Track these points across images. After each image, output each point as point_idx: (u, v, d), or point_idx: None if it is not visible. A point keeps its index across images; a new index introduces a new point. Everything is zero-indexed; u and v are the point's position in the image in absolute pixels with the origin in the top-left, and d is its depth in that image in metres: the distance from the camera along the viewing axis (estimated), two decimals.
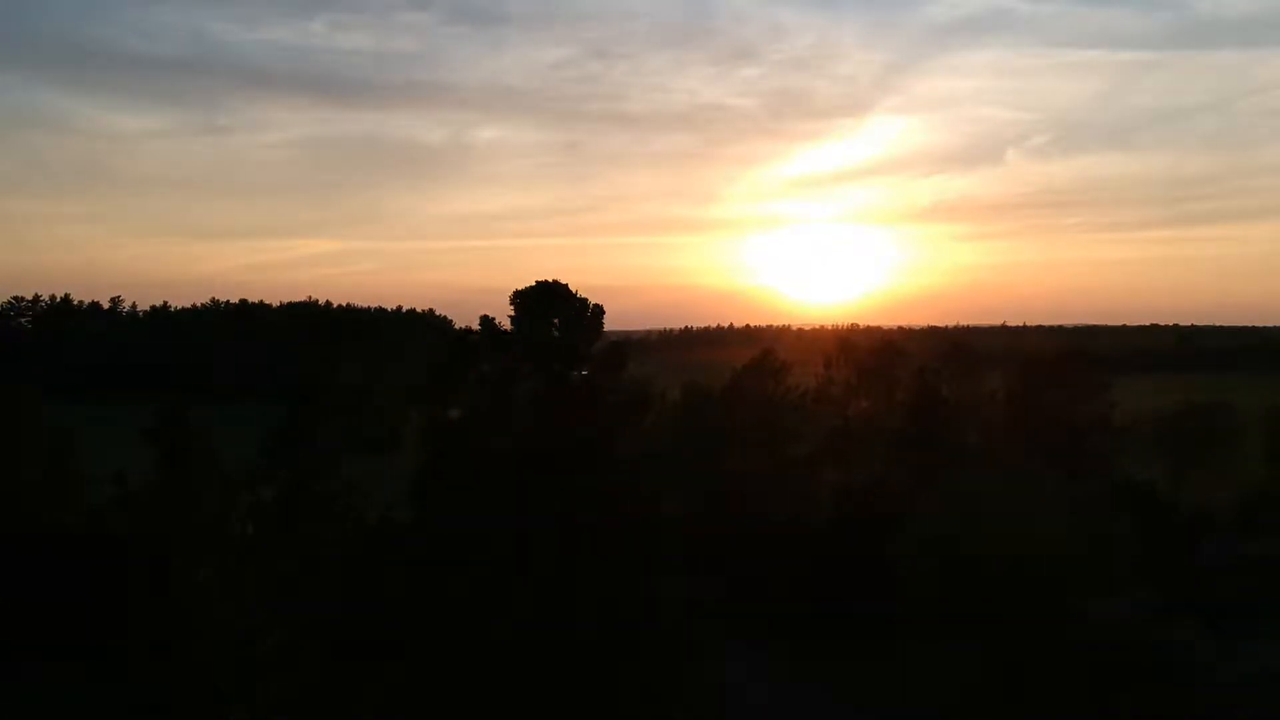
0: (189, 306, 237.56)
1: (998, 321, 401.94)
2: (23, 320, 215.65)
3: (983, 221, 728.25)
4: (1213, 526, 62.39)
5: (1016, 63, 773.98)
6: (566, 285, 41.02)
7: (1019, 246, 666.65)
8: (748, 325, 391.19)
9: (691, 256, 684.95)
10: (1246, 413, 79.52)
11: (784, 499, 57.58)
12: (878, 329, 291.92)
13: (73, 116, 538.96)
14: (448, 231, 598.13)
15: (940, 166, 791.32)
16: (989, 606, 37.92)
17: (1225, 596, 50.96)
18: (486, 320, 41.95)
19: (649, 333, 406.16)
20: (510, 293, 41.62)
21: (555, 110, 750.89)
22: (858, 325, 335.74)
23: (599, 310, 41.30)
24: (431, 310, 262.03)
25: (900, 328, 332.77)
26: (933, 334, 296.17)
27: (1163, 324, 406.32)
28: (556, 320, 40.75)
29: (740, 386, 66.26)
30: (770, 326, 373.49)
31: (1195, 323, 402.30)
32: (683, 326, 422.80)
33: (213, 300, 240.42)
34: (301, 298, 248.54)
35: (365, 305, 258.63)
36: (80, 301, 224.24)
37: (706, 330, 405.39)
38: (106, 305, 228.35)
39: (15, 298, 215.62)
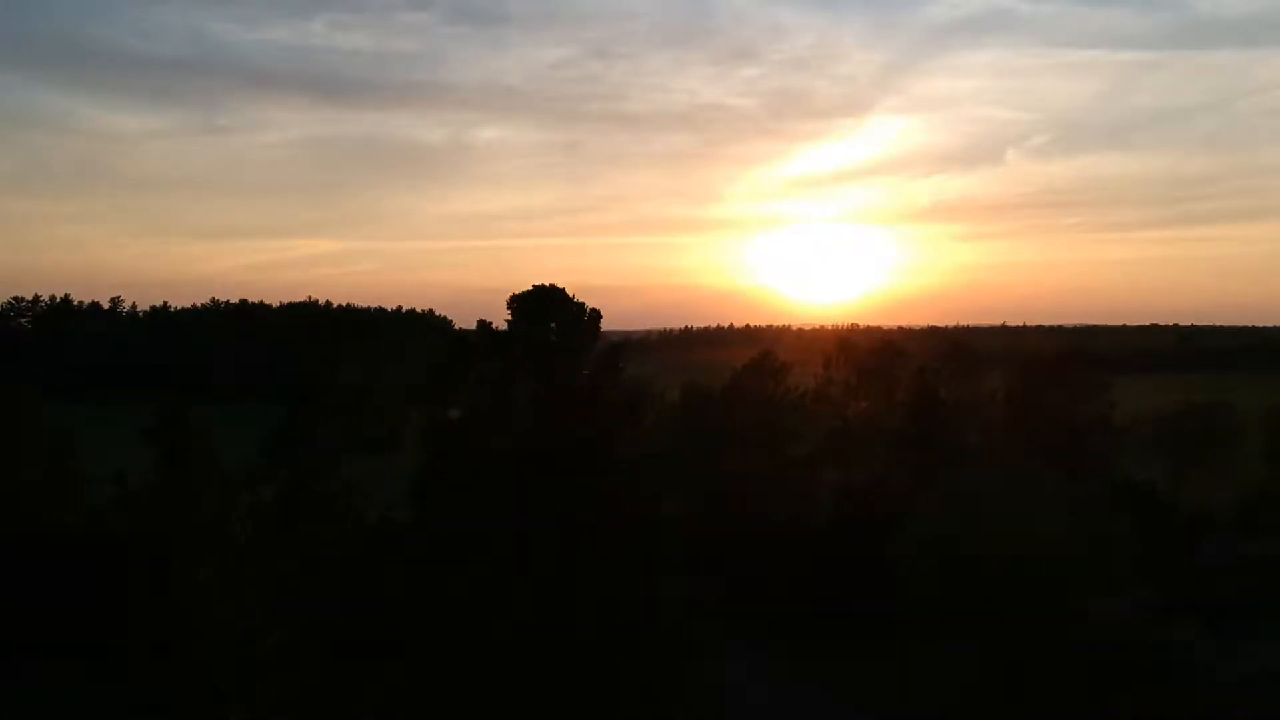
0: (189, 306, 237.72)
1: (998, 321, 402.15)
2: (23, 320, 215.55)
3: (982, 221, 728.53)
4: (1213, 526, 62.38)
5: (1016, 63, 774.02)
6: (564, 290, 41.10)
7: (1019, 246, 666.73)
8: (748, 325, 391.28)
9: (692, 256, 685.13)
10: (1246, 413, 79.50)
11: (784, 499, 57.59)
12: (878, 329, 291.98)
13: (73, 116, 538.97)
14: (448, 231, 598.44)
15: (940, 166, 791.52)
16: (989, 606, 37.91)
17: (1225, 596, 50.96)
18: (484, 324, 42.05)
19: (649, 333, 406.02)
20: (509, 292, 41.75)
21: (555, 110, 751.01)
22: (858, 325, 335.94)
23: (596, 314, 41.37)
24: (431, 310, 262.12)
25: (900, 328, 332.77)
26: (933, 334, 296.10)
27: (1163, 324, 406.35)
28: (554, 324, 40.77)
29: (740, 387, 66.28)
30: (770, 326, 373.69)
31: (1195, 323, 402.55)
32: (683, 326, 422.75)
33: (213, 300, 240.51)
34: (301, 298, 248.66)
35: (365, 305, 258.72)
36: (80, 301, 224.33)
37: (707, 330, 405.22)
38: (106, 305, 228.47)
39: (15, 298, 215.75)
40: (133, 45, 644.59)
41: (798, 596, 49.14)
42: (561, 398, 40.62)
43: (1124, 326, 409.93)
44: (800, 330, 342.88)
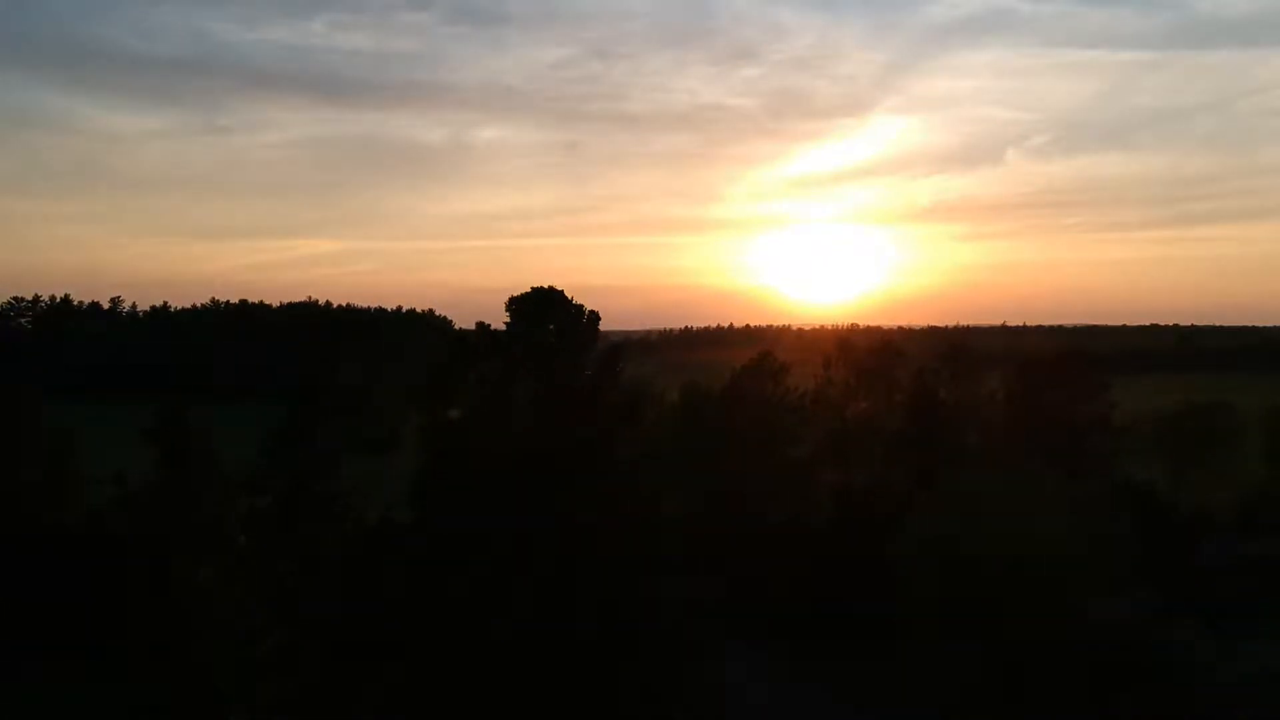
0: (189, 306, 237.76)
1: (998, 321, 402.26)
2: (23, 320, 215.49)
3: (982, 221, 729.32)
4: (1213, 526, 62.37)
5: (1016, 63, 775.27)
6: (562, 292, 41.08)
7: (1019, 246, 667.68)
8: (748, 325, 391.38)
9: (692, 256, 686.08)
10: (1246, 413, 79.48)
11: (784, 499, 57.64)
12: (878, 329, 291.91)
13: (73, 116, 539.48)
14: (448, 231, 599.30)
15: (940, 166, 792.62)
16: (989, 606, 37.91)
17: (1225, 596, 50.95)
18: (483, 326, 42.10)
19: (649, 333, 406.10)
20: (509, 292, 41.77)
21: (555, 110, 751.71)
22: (857, 325, 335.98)
23: (594, 316, 41.38)
24: (431, 310, 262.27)
25: (900, 328, 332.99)
26: (932, 334, 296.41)
27: (1163, 324, 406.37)
28: (552, 326, 40.78)
29: (739, 388, 66.28)
30: (770, 326, 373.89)
31: (1195, 323, 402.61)
32: (683, 326, 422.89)
33: (213, 300, 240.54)
34: (301, 298, 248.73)
35: (365, 305, 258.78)
36: (80, 301, 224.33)
37: (707, 330, 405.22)
38: (106, 305, 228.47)
39: (15, 298, 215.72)
40: (133, 45, 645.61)
41: (798, 596, 49.15)
42: (561, 398, 40.62)
43: (1124, 326, 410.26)
44: (800, 330, 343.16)
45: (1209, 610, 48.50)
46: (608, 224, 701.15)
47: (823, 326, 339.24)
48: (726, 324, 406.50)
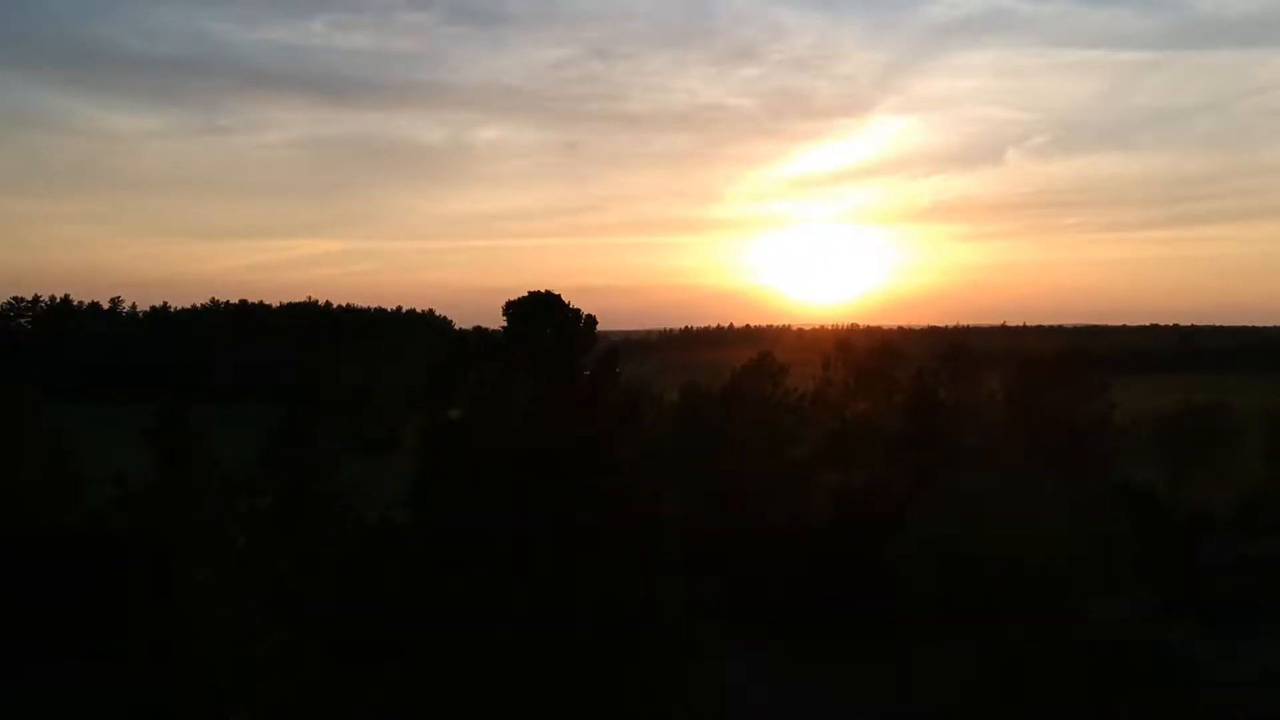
0: (189, 306, 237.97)
1: (998, 321, 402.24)
2: (23, 320, 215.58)
3: (982, 221, 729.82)
4: (1212, 527, 62.39)
5: (1016, 63, 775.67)
6: (559, 296, 41.14)
7: (1019, 246, 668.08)
8: (748, 325, 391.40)
9: (692, 256, 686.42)
10: (1246, 413, 79.45)
11: (784, 500, 57.69)
12: (878, 329, 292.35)
13: (73, 116, 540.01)
14: (448, 231, 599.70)
15: (940, 166, 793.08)
16: (989, 606, 37.93)
17: (1225, 597, 50.97)
18: (480, 330, 42.28)
19: (649, 333, 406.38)
20: (509, 292, 41.93)
21: (555, 110, 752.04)
22: (857, 325, 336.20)
23: (591, 320, 41.43)
24: (431, 310, 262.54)
25: (900, 328, 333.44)
26: (933, 334, 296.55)
27: (1163, 324, 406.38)
28: (549, 330, 40.82)
29: (739, 388, 66.34)
30: (770, 326, 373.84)
31: (1195, 323, 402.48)
32: (683, 326, 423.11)
33: (213, 300, 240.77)
34: (301, 298, 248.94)
35: (365, 305, 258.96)
36: (80, 301, 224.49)
37: (707, 330, 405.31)
38: (106, 305, 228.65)
39: (15, 298, 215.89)
40: (133, 45, 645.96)
41: (798, 596, 49.18)
42: (560, 398, 40.64)
43: (1124, 326, 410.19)
44: (800, 330, 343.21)
45: (1208, 610, 48.53)
46: (608, 224, 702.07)
47: (823, 326, 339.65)
48: (726, 324, 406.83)
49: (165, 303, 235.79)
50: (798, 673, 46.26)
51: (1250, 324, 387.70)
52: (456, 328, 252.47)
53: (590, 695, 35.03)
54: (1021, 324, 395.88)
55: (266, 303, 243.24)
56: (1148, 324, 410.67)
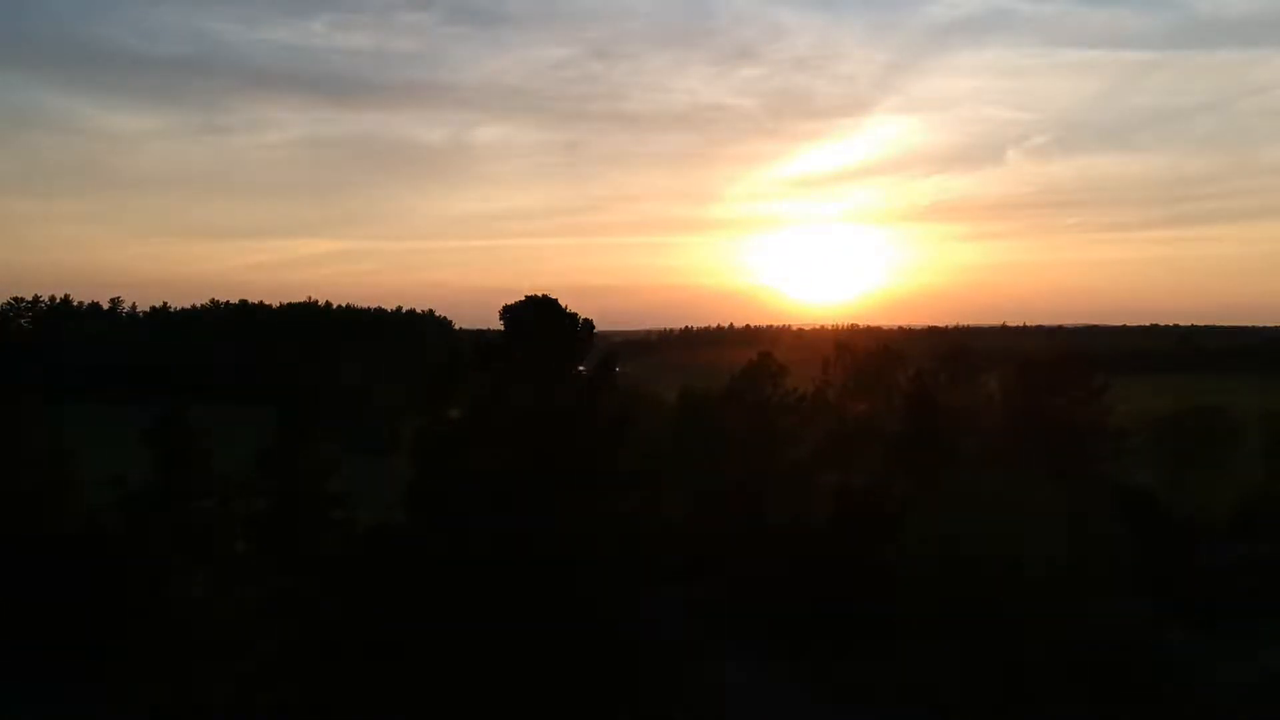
0: (189, 306, 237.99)
1: (998, 321, 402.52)
2: (22, 321, 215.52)
3: (982, 221, 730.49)
4: (1212, 528, 62.36)
5: (1016, 63, 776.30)
6: (555, 300, 41.23)
7: (1019, 246, 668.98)
8: (748, 325, 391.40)
9: (692, 256, 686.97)
10: (1246, 413, 79.44)
11: (784, 500, 57.69)
12: (878, 329, 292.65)
13: (73, 116, 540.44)
14: (448, 231, 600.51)
15: (940, 166, 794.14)
16: (989, 606, 37.94)
17: (1225, 598, 50.91)
18: (479, 336, 42.48)
19: (649, 333, 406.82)
20: (509, 292, 42.03)
21: (555, 110, 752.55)
22: (857, 325, 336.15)
23: (588, 324, 41.51)
24: (431, 310, 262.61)
25: (900, 328, 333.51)
26: (933, 334, 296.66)
27: (1163, 324, 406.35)
28: (546, 334, 40.89)
29: (738, 389, 66.36)
30: (770, 326, 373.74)
31: (1195, 323, 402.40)
32: (683, 326, 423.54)
33: (213, 300, 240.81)
34: (301, 298, 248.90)
35: (365, 305, 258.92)
36: (80, 302, 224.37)
37: (707, 330, 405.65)
38: (106, 305, 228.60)
39: (15, 298, 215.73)
40: (133, 45, 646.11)
41: (798, 597, 49.17)
42: (560, 398, 40.68)
43: (1124, 327, 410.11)
44: (800, 330, 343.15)
45: (1208, 611, 48.50)
46: (608, 224, 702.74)
47: (823, 327, 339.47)
48: (726, 324, 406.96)
49: (165, 303, 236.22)
50: (798, 673, 46.25)
51: (1250, 324, 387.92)
52: (457, 328, 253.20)
53: (590, 696, 35.06)
54: (1021, 324, 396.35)
55: (266, 303, 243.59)
56: (1148, 324, 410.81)
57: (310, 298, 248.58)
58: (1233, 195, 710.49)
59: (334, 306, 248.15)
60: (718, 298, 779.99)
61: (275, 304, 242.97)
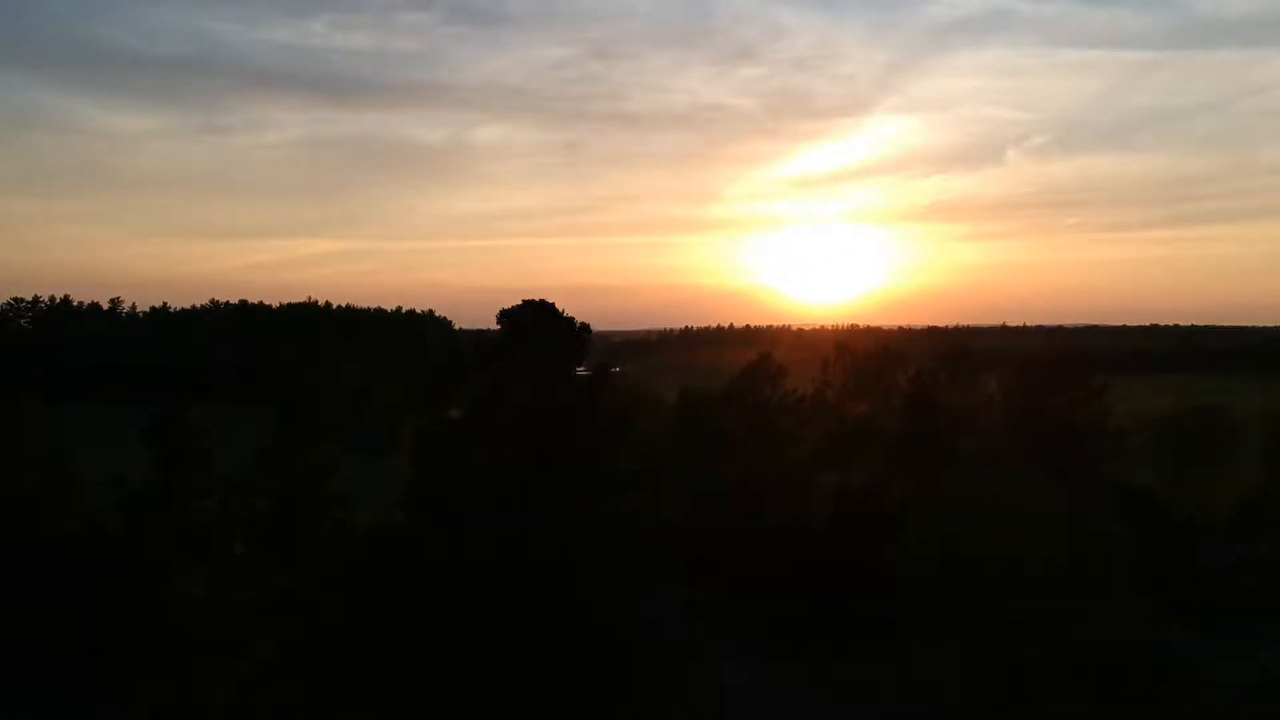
0: (189, 306, 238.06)
1: (998, 321, 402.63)
2: (22, 321, 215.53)
3: (982, 221, 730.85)
4: (1212, 528, 62.35)
5: (1016, 63, 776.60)
6: (553, 305, 41.32)
7: (1019, 246, 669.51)
8: (748, 325, 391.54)
9: (691, 256, 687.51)
10: (1246, 413, 79.44)
11: (783, 501, 57.69)
12: (878, 329, 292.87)
13: (73, 116, 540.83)
14: (448, 231, 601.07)
15: (940, 166, 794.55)
16: (989, 607, 37.95)
17: (1225, 599, 50.91)
18: (479, 338, 42.60)
19: (649, 333, 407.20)
20: (509, 292, 42.24)
21: (555, 110, 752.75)
22: (857, 325, 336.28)
23: (585, 328, 41.58)
24: (431, 310, 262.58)
25: (900, 328, 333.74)
26: (933, 334, 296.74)
27: (1163, 324, 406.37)
28: (544, 337, 40.97)
29: (737, 391, 66.39)
30: (770, 326, 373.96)
31: (1195, 323, 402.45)
32: (683, 326, 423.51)
33: (213, 300, 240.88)
34: (301, 298, 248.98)
35: (365, 305, 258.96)
36: (80, 302, 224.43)
37: (707, 330, 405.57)
38: (106, 305, 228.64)
39: (15, 298, 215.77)
40: (133, 45, 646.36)
41: (798, 597, 49.18)
42: (560, 398, 40.71)
43: (1124, 327, 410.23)
44: (800, 330, 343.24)
45: (1208, 612, 48.49)
46: (608, 224, 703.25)
47: (822, 327, 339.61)
48: (726, 324, 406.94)
49: (165, 303, 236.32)
50: (798, 673, 46.25)
51: (1250, 324, 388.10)
52: (456, 328, 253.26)
53: (590, 696, 35.06)
54: (1021, 324, 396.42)
55: (266, 303, 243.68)
56: (1148, 324, 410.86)
57: (310, 298, 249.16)
58: (1233, 195, 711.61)
59: (334, 307, 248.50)
60: (718, 298, 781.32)
61: (275, 304, 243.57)
